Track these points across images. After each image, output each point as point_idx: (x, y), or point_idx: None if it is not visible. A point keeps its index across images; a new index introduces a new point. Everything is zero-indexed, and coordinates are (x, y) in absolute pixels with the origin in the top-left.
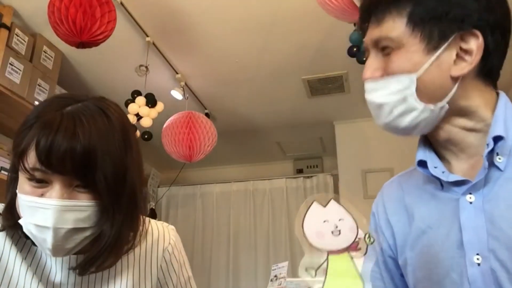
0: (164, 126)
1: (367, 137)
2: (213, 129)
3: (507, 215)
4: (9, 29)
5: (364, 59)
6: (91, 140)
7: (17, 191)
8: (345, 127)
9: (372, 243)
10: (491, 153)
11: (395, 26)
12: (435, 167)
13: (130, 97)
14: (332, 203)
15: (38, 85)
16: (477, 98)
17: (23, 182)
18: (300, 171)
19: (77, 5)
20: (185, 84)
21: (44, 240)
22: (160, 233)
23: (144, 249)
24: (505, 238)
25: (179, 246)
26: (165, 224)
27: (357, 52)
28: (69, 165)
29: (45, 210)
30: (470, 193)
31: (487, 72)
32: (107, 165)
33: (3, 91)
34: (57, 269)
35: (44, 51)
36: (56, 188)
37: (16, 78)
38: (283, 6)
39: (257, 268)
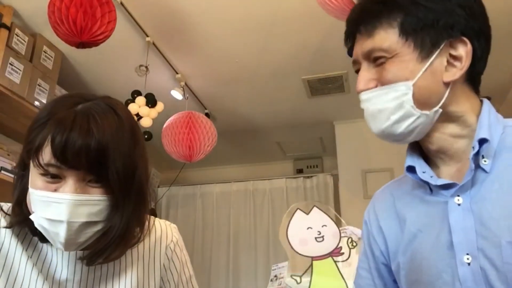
0: (164, 126)
1: (367, 137)
2: (213, 129)
3: (494, 215)
4: (9, 29)
5: (355, 71)
6: (104, 136)
7: (29, 186)
8: (345, 127)
9: (354, 247)
10: (477, 155)
11: (387, 37)
12: (423, 172)
13: (130, 97)
14: (315, 210)
15: (38, 85)
16: (465, 103)
17: (35, 177)
18: (300, 171)
19: (78, 5)
20: (185, 84)
21: (57, 234)
22: (163, 231)
23: (148, 247)
24: (493, 237)
25: (181, 244)
26: (168, 222)
27: None
28: (83, 161)
29: (59, 205)
30: (458, 195)
31: (473, 77)
32: (119, 161)
33: (3, 91)
34: (63, 266)
35: (44, 51)
36: (69, 183)
37: (16, 78)
38: (283, 6)
39: (257, 268)
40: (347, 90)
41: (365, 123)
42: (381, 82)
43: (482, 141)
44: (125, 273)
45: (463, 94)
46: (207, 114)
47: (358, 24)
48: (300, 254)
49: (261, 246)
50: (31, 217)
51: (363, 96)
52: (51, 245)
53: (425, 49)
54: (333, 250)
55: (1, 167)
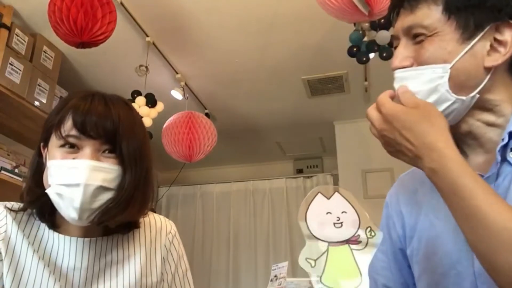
0: (164, 126)
1: (367, 137)
2: (213, 129)
3: None
4: (9, 29)
5: (394, 47)
6: (119, 113)
7: (47, 162)
8: (345, 127)
9: (372, 237)
10: (505, 148)
11: (430, 14)
12: None
13: (130, 97)
14: (337, 195)
15: (38, 85)
16: (502, 92)
17: (55, 151)
18: (300, 171)
19: (79, 5)
20: (185, 84)
21: (72, 200)
22: (162, 224)
23: (149, 238)
24: None
25: (178, 238)
26: (166, 218)
27: (357, 52)
28: (101, 131)
29: (76, 170)
30: None
31: None
32: (131, 137)
33: (3, 91)
34: (70, 255)
35: (44, 51)
36: (86, 151)
37: (16, 78)
38: (283, 6)
39: (257, 268)
40: (347, 90)
41: (365, 123)
42: (418, 61)
43: None
44: (128, 261)
45: (502, 83)
46: (207, 114)
47: None
48: (317, 238)
49: (261, 246)
50: (47, 190)
51: (397, 74)
52: (58, 234)
53: (468, 30)
54: (351, 237)
55: (1, 167)
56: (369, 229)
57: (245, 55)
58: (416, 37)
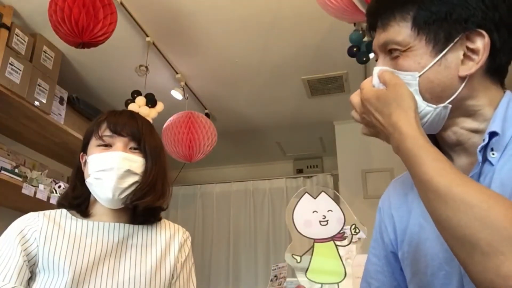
0: (164, 126)
1: (367, 137)
2: (213, 129)
3: None
4: (9, 29)
5: (376, 60)
6: (142, 121)
7: (87, 157)
8: (345, 127)
9: (357, 234)
10: (486, 148)
11: (400, 30)
12: None
13: (130, 97)
14: (323, 195)
15: (38, 85)
16: (482, 97)
17: (93, 150)
18: (300, 171)
19: (81, 6)
20: (185, 84)
21: (108, 180)
22: (176, 228)
23: (169, 235)
24: None
25: (189, 243)
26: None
27: (357, 52)
28: (129, 131)
29: (110, 159)
30: None
31: (495, 69)
32: (151, 139)
33: (3, 91)
34: (98, 235)
35: (44, 51)
36: (118, 146)
37: (16, 78)
38: (283, 6)
39: (257, 268)
40: (347, 90)
41: None
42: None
43: (493, 134)
44: (150, 249)
45: (481, 87)
46: (207, 114)
47: (375, 17)
48: (303, 235)
49: (261, 246)
50: (87, 179)
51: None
52: (92, 221)
53: (439, 43)
54: (336, 234)
55: (1, 167)
56: (353, 225)
57: (245, 55)
58: (392, 52)
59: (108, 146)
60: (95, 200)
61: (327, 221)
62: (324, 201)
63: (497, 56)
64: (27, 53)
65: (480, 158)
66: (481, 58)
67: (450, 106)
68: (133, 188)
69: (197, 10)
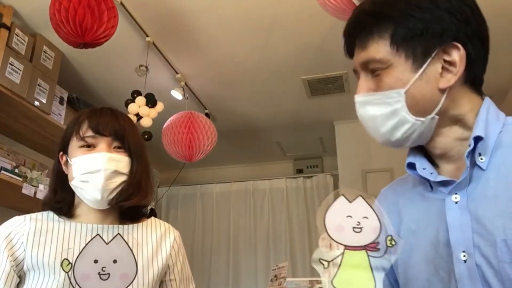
0: (164, 126)
1: (367, 137)
2: (213, 129)
3: (489, 213)
4: (9, 29)
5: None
6: (124, 118)
7: (71, 160)
8: (345, 127)
9: (393, 246)
10: (473, 153)
11: (379, 49)
12: (423, 169)
13: (130, 97)
14: (359, 199)
15: (38, 85)
16: (465, 105)
17: (75, 152)
18: (300, 171)
19: (86, 7)
20: (185, 84)
21: (96, 182)
22: (166, 228)
23: (155, 237)
24: (488, 235)
25: (180, 240)
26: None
27: None
28: (112, 130)
29: (96, 160)
30: (456, 193)
31: (473, 79)
32: (134, 137)
33: (3, 91)
34: (86, 237)
35: (44, 51)
36: (101, 147)
37: (16, 78)
38: (283, 6)
39: (257, 268)
40: (347, 90)
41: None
42: (378, 91)
43: (477, 139)
44: (141, 247)
45: (462, 96)
46: (207, 114)
47: (353, 37)
48: (333, 239)
49: (261, 246)
50: (72, 182)
51: (358, 98)
52: (79, 223)
53: (418, 58)
54: (369, 244)
55: (1, 167)
56: (390, 237)
57: (246, 55)
58: (373, 71)
59: (91, 146)
60: (80, 201)
61: (361, 228)
62: (361, 207)
63: (473, 66)
64: (27, 53)
65: (468, 163)
66: (458, 70)
67: (437, 117)
68: (120, 188)
69: (197, 10)
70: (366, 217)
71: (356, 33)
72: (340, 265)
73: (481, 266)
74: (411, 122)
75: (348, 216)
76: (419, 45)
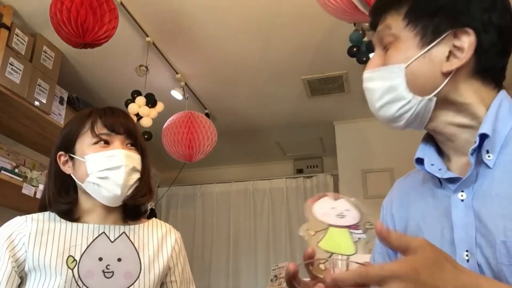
0: (164, 126)
1: (367, 137)
2: (213, 129)
3: (492, 212)
4: (9, 29)
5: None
6: (132, 120)
7: (83, 157)
8: (345, 127)
9: (370, 229)
10: (480, 150)
11: (393, 23)
12: (431, 165)
13: (130, 97)
14: (342, 199)
15: (38, 85)
16: (471, 96)
17: (88, 149)
18: (300, 171)
19: (88, 8)
20: (185, 84)
21: (116, 179)
22: (167, 229)
23: (157, 237)
24: (489, 235)
25: (181, 242)
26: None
27: (357, 52)
28: (125, 129)
29: (115, 157)
30: (462, 191)
31: (484, 70)
32: (141, 138)
33: (3, 91)
34: (88, 237)
35: (44, 51)
36: (117, 144)
37: (16, 78)
38: (284, 6)
39: (257, 268)
40: (347, 90)
41: (365, 123)
42: (384, 65)
43: (483, 136)
44: (142, 248)
45: (467, 86)
46: (207, 114)
47: (376, 15)
48: (319, 219)
49: (261, 246)
50: (88, 179)
51: (364, 75)
52: (82, 224)
53: (427, 36)
54: (351, 225)
55: (1, 167)
56: (369, 222)
57: (245, 55)
58: (385, 46)
59: (107, 143)
60: (83, 201)
61: (343, 215)
62: (343, 204)
63: (482, 57)
64: (27, 53)
65: (472, 160)
66: (464, 56)
67: (435, 98)
68: (136, 185)
69: (197, 10)
70: (348, 210)
71: (378, 12)
72: (325, 235)
73: (482, 266)
74: (407, 99)
75: (333, 208)
76: (430, 24)
